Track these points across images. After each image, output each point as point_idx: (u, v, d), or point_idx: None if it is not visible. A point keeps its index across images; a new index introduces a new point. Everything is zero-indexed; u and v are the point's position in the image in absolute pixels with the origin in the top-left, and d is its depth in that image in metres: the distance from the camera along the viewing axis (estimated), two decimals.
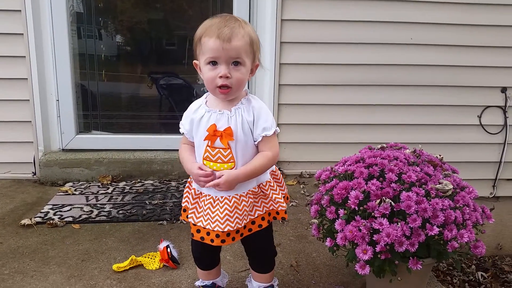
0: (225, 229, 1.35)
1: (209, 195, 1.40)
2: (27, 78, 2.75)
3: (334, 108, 3.00)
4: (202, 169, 1.36)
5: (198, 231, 1.41)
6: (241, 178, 1.35)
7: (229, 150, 1.35)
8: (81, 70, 3.05)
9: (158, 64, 3.50)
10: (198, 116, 1.39)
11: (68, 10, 2.81)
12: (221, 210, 1.36)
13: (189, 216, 1.44)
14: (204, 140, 1.36)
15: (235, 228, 1.36)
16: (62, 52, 2.84)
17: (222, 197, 1.37)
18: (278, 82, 2.90)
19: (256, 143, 1.38)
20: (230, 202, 1.36)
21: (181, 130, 1.46)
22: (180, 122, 1.46)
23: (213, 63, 1.30)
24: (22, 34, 2.68)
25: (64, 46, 2.83)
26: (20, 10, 2.65)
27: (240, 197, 1.38)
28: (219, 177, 1.33)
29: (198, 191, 1.43)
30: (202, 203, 1.41)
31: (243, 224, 1.38)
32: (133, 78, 3.53)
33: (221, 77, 1.29)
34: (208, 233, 1.39)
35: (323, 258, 2.00)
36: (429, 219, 1.40)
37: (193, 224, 1.43)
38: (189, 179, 1.49)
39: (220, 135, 1.33)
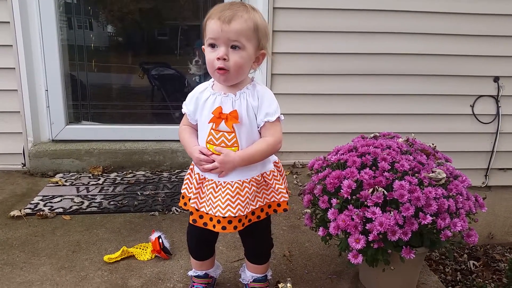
0: (226, 215, 1.33)
1: (212, 180, 1.38)
2: (14, 68, 2.70)
3: (327, 97, 2.98)
4: (203, 153, 1.35)
5: (201, 216, 1.40)
6: (237, 161, 1.33)
7: (233, 134, 1.34)
8: (71, 61, 3.01)
9: (149, 55, 3.46)
10: (203, 98, 1.38)
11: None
12: (223, 195, 1.35)
13: (191, 201, 1.42)
14: (208, 123, 1.35)
15: (236, 214, 1.34)
16: (50, 42, 2.79)
17: (224, 182, 1.36)
18: (271, 72, 2.87)
19: (258, 128, 1.37)
20: (232, 187, 1.35)
21: (183, 111, 1.44)
22: (184, 102, 1.44)
23: (213, 45, 1.28)
24: (9, 22, 2.63)
25: (52, 36, 2.78)
26: None
27: (243, 183, 1.36)
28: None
29: (202, 176, 1.40)
30: (205, 188, 1.39)
31: (245, 212, 1.36)
32: (124, 69, 3.49)
33: (218, 59, 1.27)
34: (211, 219, 1.37)
35: (316, 248, 1.99)
36: (422, 208, 1.39)
37: (196, 210, 1.41)
38: (191, 166, 1.47)
39: (225, 118, 1.32)
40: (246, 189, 1.36)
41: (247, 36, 1.27)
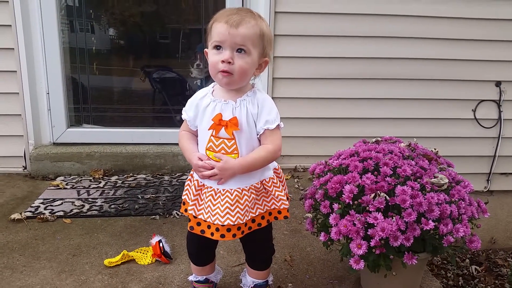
0: (225, 223, 1.32)
1: (210, 187, 1.37)
2: (16, 71, 2.70)
3: (328, 101, 2.97)
4: (201, 159, 1.34)
5: (199, 224, 1.39)
6: (237, 168, 1.32)
7: (233, 141, 1.33)
8: (72, 63, 3.01)
9: (151, 58, 3.46)
10: (204, 105, 1.37)
11: (58, 2, 2.76)
12: (222, 203, 1.34)
13: (189, 208, 1.41)
14: (208, 130, 1.34)
15: (235, 222, 1.33)
16: (51, 45, 2.79)
17: (223, 189, 1.35)
18: (272, 76, 2.87)
19: (258, 136, 1.36)
20: (231, 195, 1.34)
21: (183, 117, 1.44)
22: (183, 108, 1.44)
23: (218, 47, 1.28)
24: (10, 25, 2.63)
25: (54, 39, 2.79)
26: (7, 1, 2.59)
27: (242, 191, 1.35)
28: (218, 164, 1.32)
29: (201, 182, 1.40)
30: (204, 195, 1.38)
31: (244, 220, 1.35)
32: (126, 72, 3.49)
33: (223, 62, 1.26)
34: (208, 227, 1.36)
35: (317, 253, 1.98)
36: (425, 213, 1.38)
37: (194, 217, 1.40)
38: (191, 172, 1.46)
39: (225, 125, 1.31)
40: (245, 197, 1.35)
41: (253, 42, 1.27)
